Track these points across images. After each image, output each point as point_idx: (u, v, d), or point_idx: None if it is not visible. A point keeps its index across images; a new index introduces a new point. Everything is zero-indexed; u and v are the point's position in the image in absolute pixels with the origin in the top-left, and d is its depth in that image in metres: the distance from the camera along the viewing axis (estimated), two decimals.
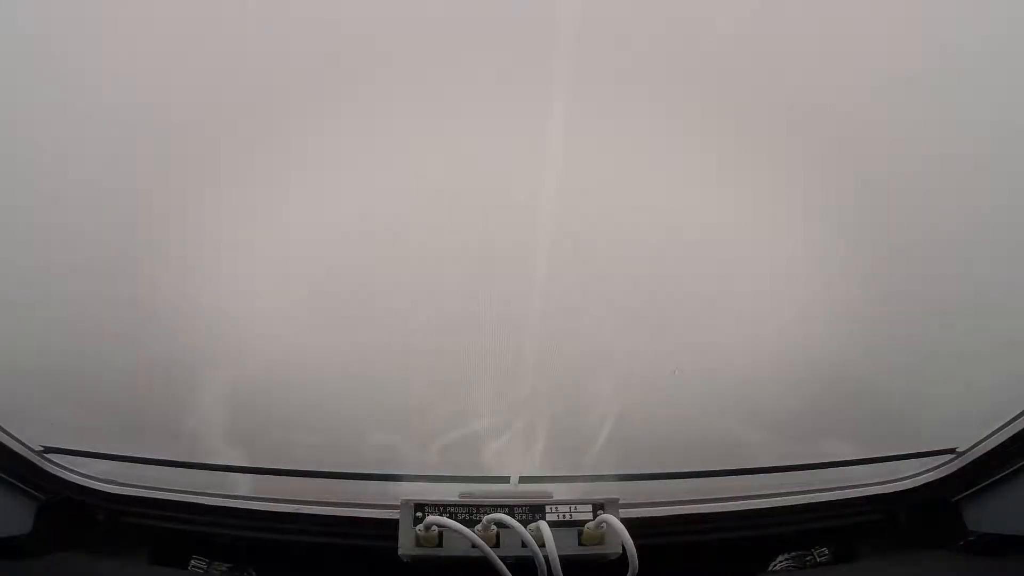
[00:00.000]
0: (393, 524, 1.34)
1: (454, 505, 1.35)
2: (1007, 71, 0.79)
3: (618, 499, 1.36)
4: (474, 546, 1.23)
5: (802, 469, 1.69)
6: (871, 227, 1.01)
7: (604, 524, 1.30)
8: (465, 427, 1.36)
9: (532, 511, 1.35)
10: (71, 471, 1.49)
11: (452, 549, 1.29)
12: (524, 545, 1.23)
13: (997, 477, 1.45)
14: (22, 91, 0.77)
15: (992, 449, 1.45)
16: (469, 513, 1.34)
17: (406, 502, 1.35)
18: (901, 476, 1.57)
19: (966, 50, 0.77)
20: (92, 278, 1.02)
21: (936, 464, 1.55)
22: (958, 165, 0.93)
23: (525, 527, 1.26)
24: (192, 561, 1.47)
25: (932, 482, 1.53)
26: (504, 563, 1.22)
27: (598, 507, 1.35)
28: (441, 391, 1.27)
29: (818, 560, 1.53)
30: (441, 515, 1.30)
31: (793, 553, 1.53)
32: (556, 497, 1.38)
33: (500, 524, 1.29)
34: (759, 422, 1.39)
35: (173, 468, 1.65)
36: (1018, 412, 1.42)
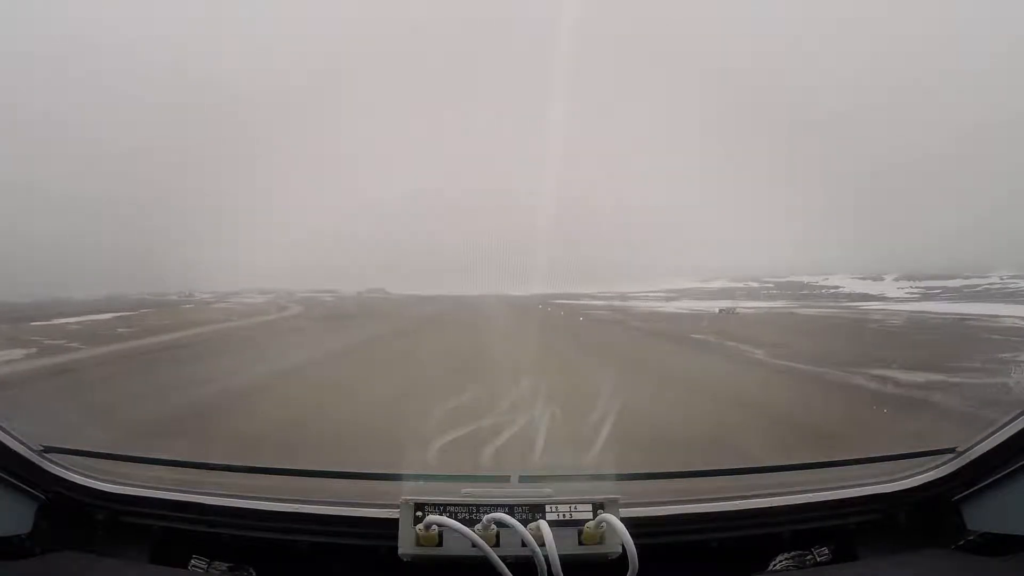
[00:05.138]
0: (393, 523, 1.34)
1: (454, 505, 1.35)
2: None
3: (618, 499, 1.36)
4: (474, 546, 1.23)
5: (802, 469, 1.69)
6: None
7: (604, 524, 1.30)
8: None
9: (532, 511, 1.35)
10: (71, 471, 1.49)
11: (452, 549, 1.29)
12: (524, 545, 1.23)
13: (997, 477, 1.45)
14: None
15: (992, 449, 1.45)
16: (469, 513, 1.34)
17: (406, 502, 1.35)
18: (901, 476, 1.57)
19: None
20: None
21: (936, 464, 1.55)
22: None
23: (525, 527, 1.26)
24: (192, 561, 1.47)
25: (932, 482, 1.53)
26: (504, 563, 1.22)
27: (598, 507, 1.35)
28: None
29: (818, 560, 1.53)
30: (441, 515, 1.30)
31: (793, 553, 1.53)
32: (556, 497, 1.38)
33: (500, 524, 1.29)
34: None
35: (173, 468, 1.65)
36: (1018, 412, 1.43)
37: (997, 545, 1.41)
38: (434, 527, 1.28)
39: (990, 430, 1.46)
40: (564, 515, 1.34)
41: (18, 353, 7.91)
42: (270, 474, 1.71)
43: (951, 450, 1.53)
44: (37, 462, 1.44)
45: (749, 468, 1.78)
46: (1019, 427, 1.41)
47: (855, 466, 1.67)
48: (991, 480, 1.46)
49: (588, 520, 1.32)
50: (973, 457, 1.48)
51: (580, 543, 1.31)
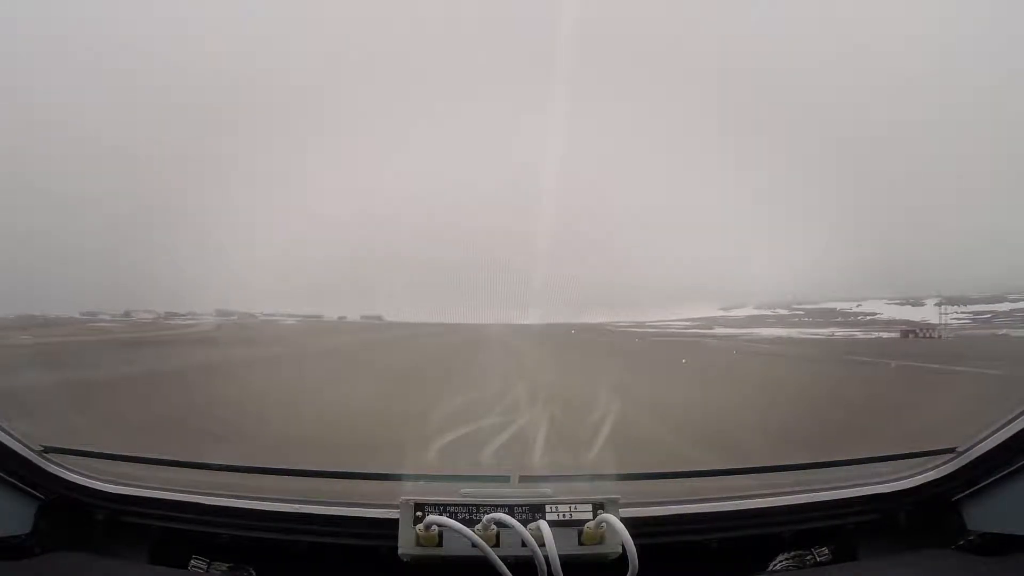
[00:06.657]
0: (393, 524, 1.34)
1: (454, 505, 1.35)
2: None
3: (618, 499, 1.36)
4: (474, 546, 1.23)
5: (802, 469, 1.69)
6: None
7: (604, 524, 1.30)
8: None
9: (532, 511, 1.35)
10: (71, 471, 1.49)
11: (452, 549, 1.29)
12: (524, 545, 1.23)
13: (997, 477, 1.45)
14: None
15: (992, 449, 1.45)
16: (469, 513, 1.34)
17: (406, 502, 1.34)
18: (901, 476, 1.57)
19: None
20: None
21: (936, 464, 1.55)
22: None
23: (525, 527, 1.26)
24: (192, 561, 1.47)
25: (932, 482, 1.53)
26: (504, 563, 1.22)
27: (598, 507, 1.35)
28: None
29: (818, 560, 1.53)
30: (441, 515, 1.30)
31: (793, 553, 1.53)
32: (556, 497, 1.38)
33: (500, 524, 1.29)
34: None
35: (173, 468, 1.65)
36: (1018, 412, 1.43)
37: (997, 545, 1.41)
38: (434, 527, 1.28)
39: (990, 430, 1.47)
40: (564, 515, 1.34)
41: None
42: (270, 474, 1.71)
43: (951, 450, 1.53)
44: (37, 462, 1.44)
45: (749, 468, 1.78)
46: (1019, 427, 1.41)
47: (855, 466, 1.67)
48: (991, 480, 1.46)
49: (588, 520, 1.32)
50: (973, 457, 1.48)
51: (580, 543, 1.31)
